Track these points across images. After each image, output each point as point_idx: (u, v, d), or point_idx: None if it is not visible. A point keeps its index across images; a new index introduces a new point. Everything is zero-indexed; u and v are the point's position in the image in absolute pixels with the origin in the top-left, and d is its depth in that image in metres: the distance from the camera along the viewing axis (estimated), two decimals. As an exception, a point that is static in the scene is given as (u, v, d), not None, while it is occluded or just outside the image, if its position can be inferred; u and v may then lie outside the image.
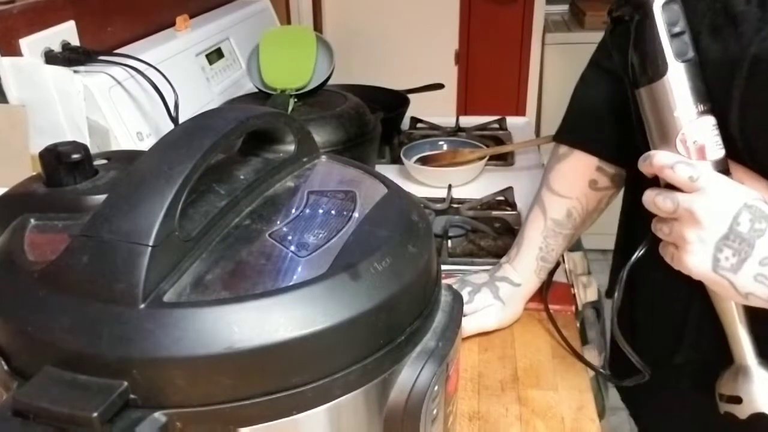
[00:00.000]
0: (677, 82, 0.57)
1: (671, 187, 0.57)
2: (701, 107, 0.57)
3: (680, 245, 0.56)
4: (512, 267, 0.82)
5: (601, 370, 0.78)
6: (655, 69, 0.57)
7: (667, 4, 0.56)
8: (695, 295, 0.66)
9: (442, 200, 1.10)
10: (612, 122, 0.74)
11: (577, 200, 0.78)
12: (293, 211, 0.46)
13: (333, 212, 0.46)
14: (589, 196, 0.78)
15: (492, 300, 0.81)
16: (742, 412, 0.62)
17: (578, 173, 0.78)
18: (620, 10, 0.60)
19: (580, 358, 0.76)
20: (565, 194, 0.78)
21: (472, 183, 1.20)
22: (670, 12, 0.56)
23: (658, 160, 0.57)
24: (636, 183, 0.74)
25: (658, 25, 0.56)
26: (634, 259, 0.64)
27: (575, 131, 0.79)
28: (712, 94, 0.58)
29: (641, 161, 0.59)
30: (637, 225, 0.73)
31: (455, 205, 1.08)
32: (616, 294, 0.67)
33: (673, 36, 0.56)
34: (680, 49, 0.56)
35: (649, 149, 0.60)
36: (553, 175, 0.80)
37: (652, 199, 0.57)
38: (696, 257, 0.55)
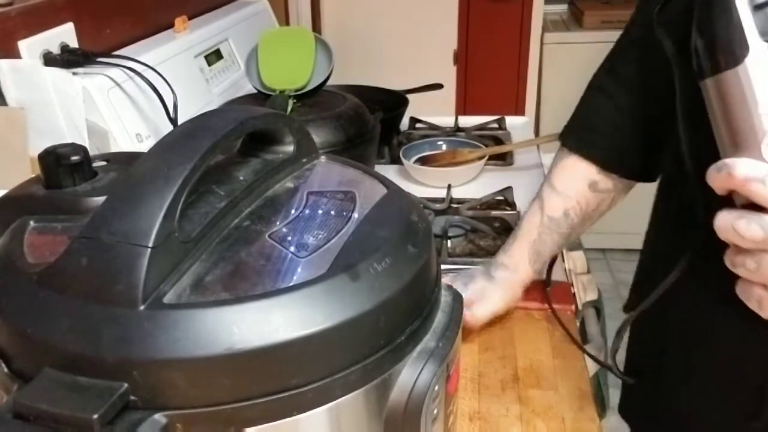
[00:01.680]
0: (762, 69, 0.43)
1: (754, 207, 0.43)
2: None
3: None
4: (507, 256, 0.82)
5: (609, 364, 0.71)
6: (731, 52, 0.43)
7: None
8: None
9: (441, 200, 1.10)
10: (623, 134, 0.72)
11: (576, 201, 0.77)
12: (293, 211, 0.46)
13: (332, 213, 0.46)
14: (589, 197, 0.77)
15: (486, 284, 0.80)
16: None
17: (579, 174, 0.77)
18: None
19: (585, 352, 0.75)
20: (565, 193, 0.77)
21: (472, 183, 1.20)
22: None
23: (741, 170, 0.42)
24: (668, 191, 0.70)
25: None
26: (654, 296, 0.56)
27: (580, 137, 0.77)
28: None
29: (713, 172, 0.45)
30: (664, 243, 0.69)
31: (455, 205, 1.08)
32: (615, 337, 0.62)
33: (757, 7, 0.43)
34: (766, 25, 0.43)
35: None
36: (556, 172, 0.79)
37: (730, 224, 0.44)
38: None
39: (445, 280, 0.75)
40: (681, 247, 0.52)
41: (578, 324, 0.86)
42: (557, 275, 0.87)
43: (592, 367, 0.85)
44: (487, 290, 0.80)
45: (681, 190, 0.60)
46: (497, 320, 0.82)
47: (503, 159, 1.29)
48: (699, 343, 0.65)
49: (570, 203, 0.77)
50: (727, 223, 0.44)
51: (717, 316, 0.57)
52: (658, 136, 0.70)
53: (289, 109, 1.04)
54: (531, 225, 0.80)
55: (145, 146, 1.00)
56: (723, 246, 0.47)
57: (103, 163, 0.51)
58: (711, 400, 0.65)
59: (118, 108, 0.98)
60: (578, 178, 0.77)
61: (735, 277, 0.47)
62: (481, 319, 0.79)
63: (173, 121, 1.03)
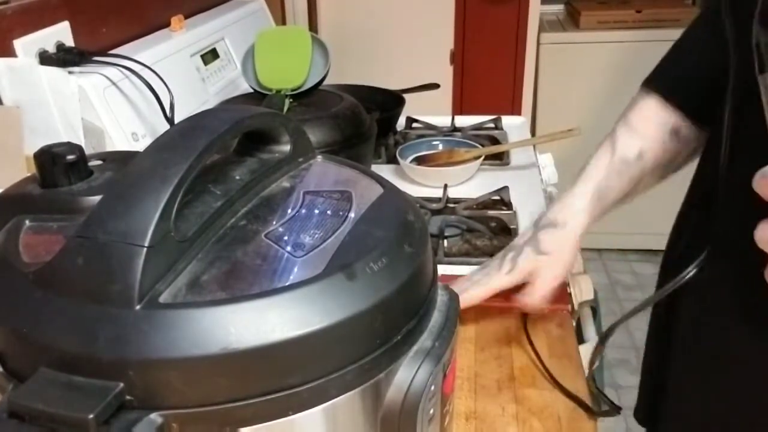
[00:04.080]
0: None
1: None
2: None
3: None
4: (561, 205, 0.75)
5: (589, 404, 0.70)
6: None
7: None
8: None
9: (438, 200, 1.10)
10: (707, 80, 0.67)
11: (653, 143, 0.71)
12: (289, 211, 0.46)
13: (329, 212, 0.46)
14: (668, 143, 0.71)
15: (534, 259, 0.74)
16: None
17: (662, 116, 0.71)
18: None
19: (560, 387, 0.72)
20: (643, 134, 0.71)
21: (468, 182, 1.21)
22: None
23: None
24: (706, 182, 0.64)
25: None
26: (657, 295, 0.54)
27: (670, 82, 0.71)
28: None
29: (759, 177, 0.41)
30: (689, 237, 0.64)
31: (451, 205, 1.08)
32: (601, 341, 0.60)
33: None
34: None
35: None
36: (634, 112, 0.73)
37: None
38: None
39: (492, 266, 0.72)
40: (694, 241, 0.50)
41: (574, 324, 0.86)
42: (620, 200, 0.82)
43: (587, 367, 0.85)
44: (539, 273, 0.74)
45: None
46: (494, 319, 0.82)
47: (500, 159, 1.29)
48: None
49: (647, 144, 0.71)
50: (766, 233, 0.40)
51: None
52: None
53: (286, 108, 1.04)
54: (599, 165, 0.74)
55: (141, 145, 1.00)
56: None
57: (99, 162, 0.51)
58: None
59: (114, 107, 0.98)
60: (661, 121, 0.71)
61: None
62: (536, 308, 0.74)
63: (169, 120, 1.02)
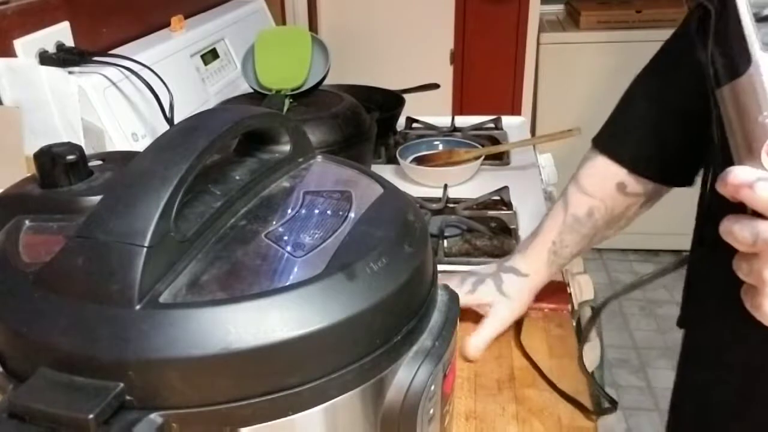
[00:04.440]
0: (765, 78, 0.44)
1: (758, 214, 0.44)
2: None
3: (760, 287, 0.45)
4: (522, 256, 0.80)
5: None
6: (737, 62, 0.45)
7: None
8: None
9: (438, 200, 1.10)
10: (658, 136, 0.71)
11: (602, 201, 0.75)
12: (289, 211, 0.46)
13: (329, 212, 0.46)
14: (616, 199, 0.75)
15: (495, 294, 0.78)
16: None
17: (608, 174, 0.75)
18: None
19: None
20: (591, 193, 0.75)
21: (468, 183, 1.21)
22: None
23: (734, 177, 0.44)
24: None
25: (740, 7, 0.45)
26: (637, 284, 0.58)
27: (611, 138, 0.75)
28: None
29: (719, 181, 0.46)
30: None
31: (451, 205, 1.08)
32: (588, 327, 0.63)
33: (761, 20, 0.45)
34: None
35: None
36: (583, 172, 0.77)
37: (729, 228, 0.46)
38: None
39: (452, 283, 0.75)
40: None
41: (574, 324, 0.86)
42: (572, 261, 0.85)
43: (588, 366, 0.85)
44: (496, 309, 0.78)
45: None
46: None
47: (500, 159, 1.29)
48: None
49: (595, 202, 0.75)
50: (727, 228, 0.45)
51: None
52: (692, 141, 0.68)
53: (286, 108, 1.04)
54: (552, 224, 0.78)
55: (141, 145, 1.00)
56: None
57: (99, 162, 0.51)
58: None
59: (114, 107, 0.98)
60: (606, 179, 0.75)
61: None
62: (487, 341, 0.77)
63: (169, 120, 1.02)
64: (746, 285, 0.47)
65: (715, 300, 0.62)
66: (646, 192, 0.74)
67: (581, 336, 0.73)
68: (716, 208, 0.49)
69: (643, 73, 0.74)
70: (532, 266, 0.79)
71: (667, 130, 0.71)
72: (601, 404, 0.73)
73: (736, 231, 0.45)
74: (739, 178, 0.44)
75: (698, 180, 0.65)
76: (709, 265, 0.60)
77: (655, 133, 0.72)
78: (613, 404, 0.71)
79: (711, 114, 0.50)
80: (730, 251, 0.47)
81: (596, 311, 0.68)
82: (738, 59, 0.45)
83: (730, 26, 0.46)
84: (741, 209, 0.46)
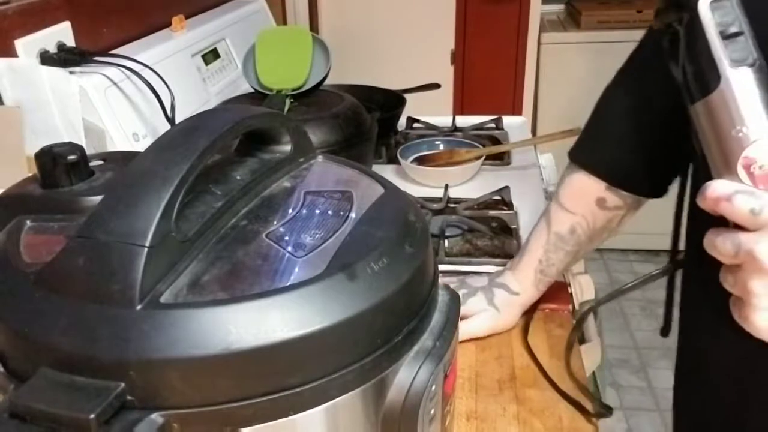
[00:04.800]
0: (736, 93, 0.46)
1: (738, 227, 0.46)
2: None
3: (745, 298, 0.45)
4: (512, 275, 0.82)
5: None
6: (708, 79, 0.47)
7: (717, 1, 0.47)
8: None
9: (438, 200, 1.10)
10: (626, 146, 0.71)
11: (583, 217, 0.76)
12: (290, 211, 0.46)
13: (330, 212, 0.46)
14: (597, 214, 0.75)
15: (486, 305, 0.80)
16: None
17: (586, 190, 0.75)
18: (667, 15, 0.50)
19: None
20: (572, 210, 0.76)
21: (469, 183, 1.21)
22: (721, 9, 0.46)
23: (712, 190, 0.46)
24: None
25: (706, 27, 0.47)
26: (626, 289, 0.59)
27: (587, 152, 0.76)
28: None
29: (698, 195, 0.48)
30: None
31: (452, 205, 1.08)
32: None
33: (728, 38, 0.46)
34: (738, 53, 0.46)
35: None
36: (563, 189, 0.78)
37: (712, 241, 0.47)
38: (763, 314, 0.45)
39: (452, 286, 0.75)
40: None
41: (574, 324, 0.86)
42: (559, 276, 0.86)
43: (589, 367, 0.85)
44: (482, 315, 0.80)
45: None
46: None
47: (500, 159, 1.29)
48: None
49: (576, 219, 0.76)
50: (710, 241, 0.47)
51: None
52: (667, 152, 0.69)
53: (286, 108, 1.04)
54: (537, 243, 0.79)
55: (141, 145, 1.00)
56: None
57: (100, 162, 0.51)
58: None
59: (115, 107, 0.98)
60: (586, 194, 0.75)
61: None
62: (470, 333, 0.79)
63: (170, 120, 1.02)
64: (733, 296, 0.47)
65: (708, 309, 0.62)
66: (626, 204, 0.75)
67: (567, 343, 0.73)
68: (699, 220, 0.49)
69: (614, 83, 0.75)
70: (521, 285, 0.81)
71: (642, 142, 0.71)
72: (602, 405, 0.73)
73: (718, 244, 0.46)
74: (717, 191, 0.45)
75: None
76: (698, 276, 0.60)
77: (630, 147, 0.72)
78: (608, 410, 0.70)
79: (685, 125, 0.51)
80: (716, 262, 0.47)
81: (578, 322, 0.67)
82: (708, 76, 0.47)
83: (698, 45, 0.47)
84: (723, 222, 0.47)
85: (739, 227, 0.45)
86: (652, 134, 0.70)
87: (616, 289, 0.65)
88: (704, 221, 0.48)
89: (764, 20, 0.47)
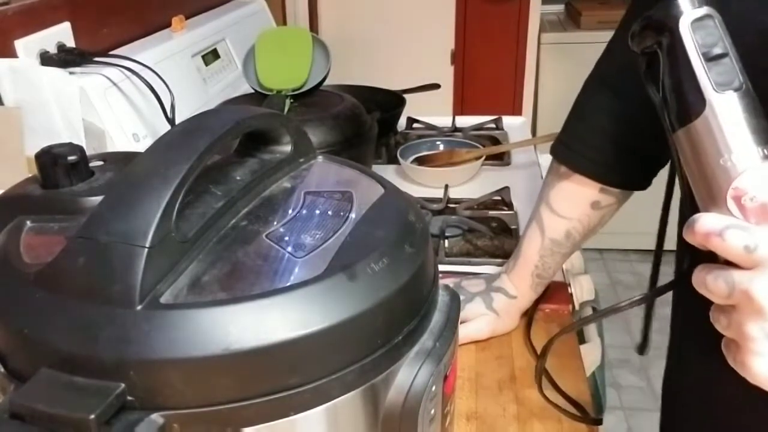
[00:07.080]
0: (722, 120, 0.42)
1: (730, 263, 0.42)
2: (763, 151, 0.42)
3: (741, 342, 0.42)
4: (509, 279, 0.81)
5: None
6: (691, 105, 0.44)
7: (698, 21, 0.43)
8: None
9: (438, 200, 1.10)
10: (616, 145, 0.70)
11: (578, 221, 0.75)
12: (290, 211, 0.46)
13: (330, 213, 0.46)
14: (591, 216, 0.75)
15: (484, 310, 0.80)
16: None
17: (580, 195, 0.74)
18: (645, 37, 0.46)
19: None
20: (566, 215, 0.75)
21: (469, 183, 1.21)
22: (703, 30, 0.43)
23: (701, 225, 0.42)
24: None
25: (689, 49, 0.43)
26: (606, 310, 0.55)
27: (575, 151, 0.73)
28: None
29: (684, 229, 0.44)
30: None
31: (452, 205, 1.08)
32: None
33: (711, 60, 0.43)
34: (723, 77, 0.43)
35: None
36: (554, 194, 0.76)
37: (702, 279, 0.43)
38: (761, 360, 0.41)
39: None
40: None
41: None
42: (555, 275, 0.86)
43: (589, 367, 0.85)
44: (482, 318, 0.80)
45: None
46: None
47: (500, 159, 1.29)
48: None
49: (572, 224, 0.75)
50: (700, 278, 0.43)
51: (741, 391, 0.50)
52: (652, 144, 0.67)
53: (287, 109, 1.04)
54: (532, 249, 0.78)
55: (142, 146, 1.00)
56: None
57: (100, 162, 0.51)
58: None
59: (115, 108, 0.98)
60: (580, 199, 0.74)
61: None
62: (459, 341, 0.77)
63: (170, 120, 1.02)
64: (726, 339, 0.44)
65: (700, 335, 0.61)
66: (618, 200, 0.74)
67: (536, 370, 0.71)
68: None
69: (591, 77, 0.74)
70: (518, 290, 0.81)
71: (628, 137, 0.70)
72: (602, 405, 0.72)
73: (709, 282, 0.42)
74: (707, 226, 0.42)
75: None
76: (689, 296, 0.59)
77: (622, 144, 0.70)
78: (597, 423, 0.70)
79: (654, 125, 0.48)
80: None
81: (554, 337, 0.66)
82: (691, 102, 0.43)
83: (680, 68, 0.44)
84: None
85: (731, 264, 0.42)
86: (640, 126, 0.68)
87: (615, 304, 0.61)
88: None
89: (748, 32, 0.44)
